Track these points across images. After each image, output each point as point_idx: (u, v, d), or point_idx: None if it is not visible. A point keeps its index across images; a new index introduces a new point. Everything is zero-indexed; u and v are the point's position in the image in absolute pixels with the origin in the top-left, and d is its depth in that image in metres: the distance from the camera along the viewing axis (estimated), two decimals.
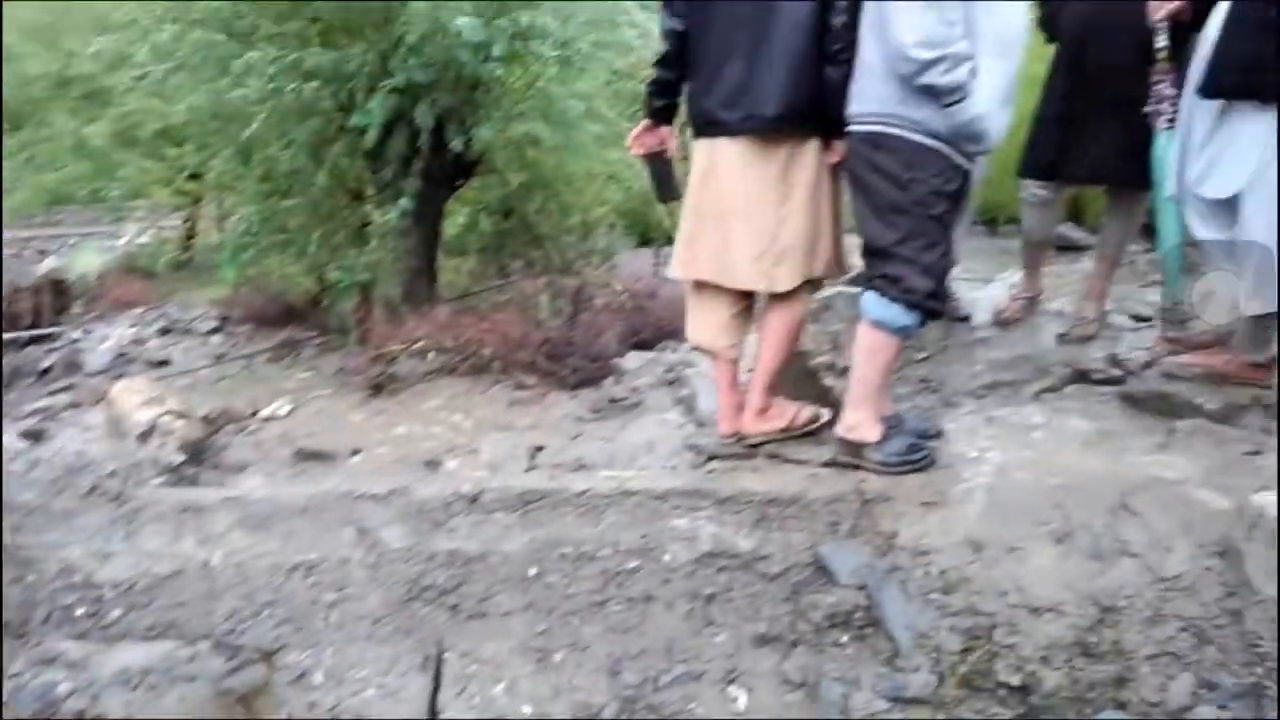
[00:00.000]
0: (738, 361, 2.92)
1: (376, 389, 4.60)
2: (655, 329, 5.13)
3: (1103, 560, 2.24)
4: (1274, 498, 2.16)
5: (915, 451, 2.65)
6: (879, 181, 2.51)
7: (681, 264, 2.82)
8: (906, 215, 2.50)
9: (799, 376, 3.51)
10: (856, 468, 2.68)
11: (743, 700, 2.25)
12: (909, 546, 2.41)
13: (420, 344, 4.63)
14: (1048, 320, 3.61)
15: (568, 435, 3.68)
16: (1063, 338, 3.41)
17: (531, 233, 6.29)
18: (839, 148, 2.68)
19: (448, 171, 5.76)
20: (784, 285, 2.70)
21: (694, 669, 2.32)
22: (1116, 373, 3.09)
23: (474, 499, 2.59)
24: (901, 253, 2.51)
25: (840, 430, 2.71)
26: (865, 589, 2.36)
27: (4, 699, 2.20)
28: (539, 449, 3.49)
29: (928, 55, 2.33)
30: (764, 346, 2.85)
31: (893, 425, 2.70)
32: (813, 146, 2.66)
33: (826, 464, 2.75)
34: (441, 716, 2.21)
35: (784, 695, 2.24)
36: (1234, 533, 2.18)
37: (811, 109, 2.58)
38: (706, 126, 2.70)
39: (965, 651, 2.15)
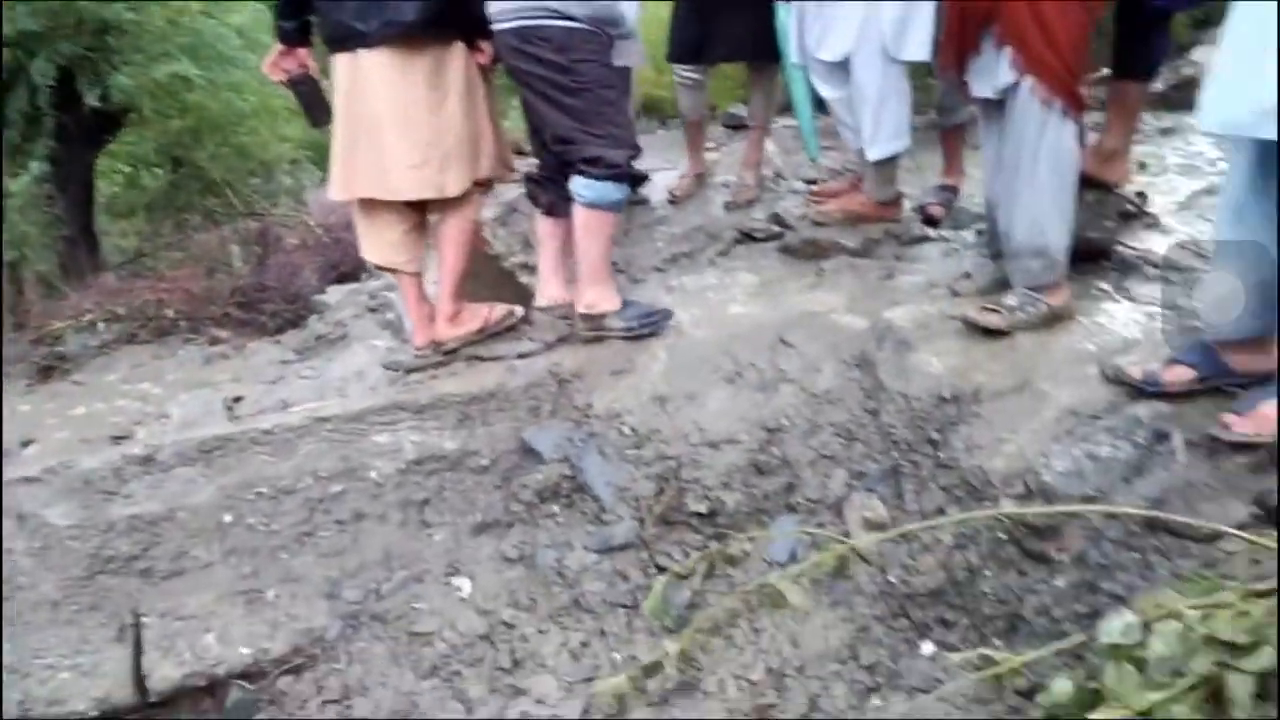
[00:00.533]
0: (421, 274, 2.89)
1: (45, 373, 4.12)
2: (356, 260, 4.93)
3: (767, 390, 2.49)
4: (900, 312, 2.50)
5: (651, 315, 2.79)
6: (547, 72, 2.54)
7: (340, 184, 2.73)
8: (583, 96, 2.57)
9: (496, 279, 3.54)
10: (601, 339, 2.77)
11: (466, 587, 2.31)
12: (603, 414, 2.54)
13: (88, 316, 4.17)
14: (716, 193, 3.86)
15: (270, 380, 3.50)
16: (729, 206, 3.67)
17: (204, 180, 5.79)
18: (487, 48, 2.68)
19: (88, 127, 5.14)
20: (454, 190, 2.69)
21: (415, 571, 2.34)
22: (776, 229, 3.38)
23: (147, 460, 2.42)
24: (593, 133, 2.58)
25: (581, 308, 2.79)
26: (568, 460, 2.48)
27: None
28: (237, 399, 3.30)
29: None
30: (444, 253, 2.84)
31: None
32: (459, 49, 2.63)
33: (521, 355, 2.81)
34: (150, 680, 2.10)
35: (505, 573, 2.33)
36: (868, 347, 2.49)
37: (452, 11, 2.55)
38: (343, 40, 2.59)
39: (659, 494, 2.33)
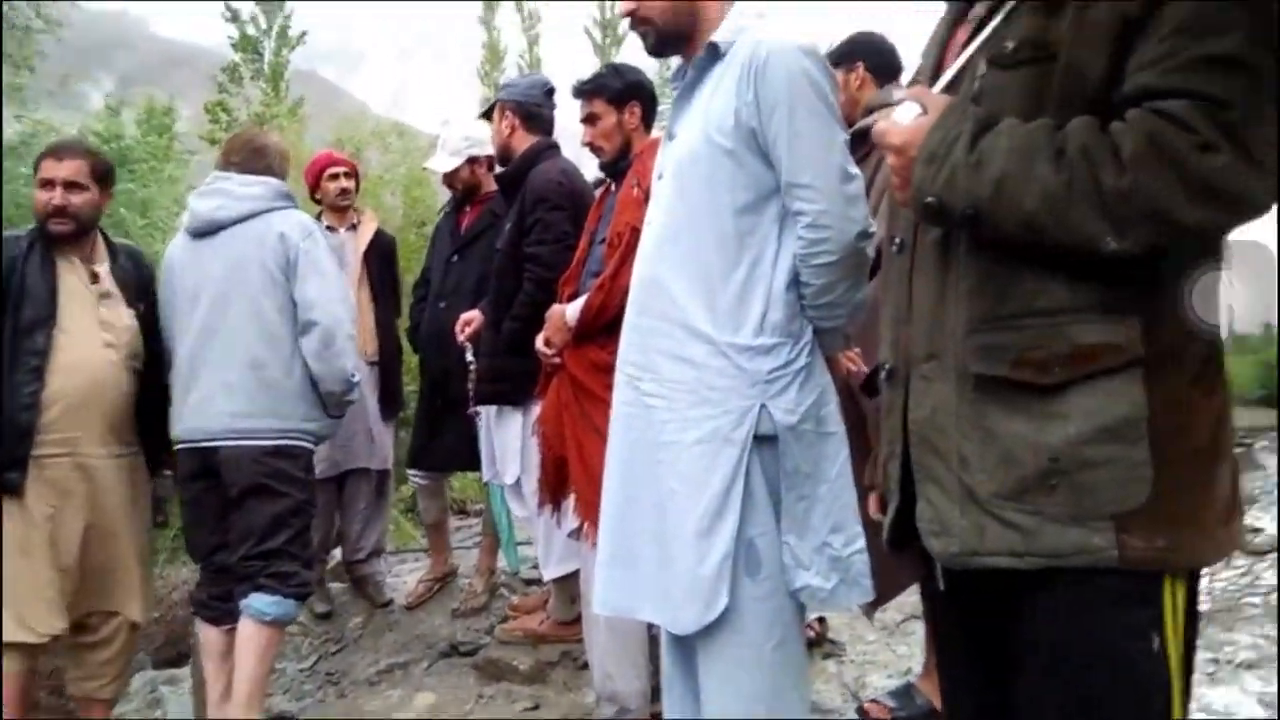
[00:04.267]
0: None
1: None
2: None
3: None
4: None
5: None
6: (280, 487, 2.70)
7: None
8: (300, 515, 2.74)
9: None
10: None
11: None
12: None
13: None
14: (450, 596, 3.94)
15: None
16: (456, 612, 3.73)
17: None
18: None
19: None
20: None
21: None
22: (475, 643, 3.41)
23: None
24: (291, 550, 2.71)
25: None
26: None
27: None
28: None
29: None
30: None
31: None
32: None
33: None
34: None
35: None
36: None
37: None
38: None
39: None
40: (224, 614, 2.78)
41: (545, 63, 14.18)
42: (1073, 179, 0.96)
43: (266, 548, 2.67)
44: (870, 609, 2.58)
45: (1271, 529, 6.19)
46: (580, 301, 2.56)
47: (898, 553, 1.27)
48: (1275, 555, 5.31)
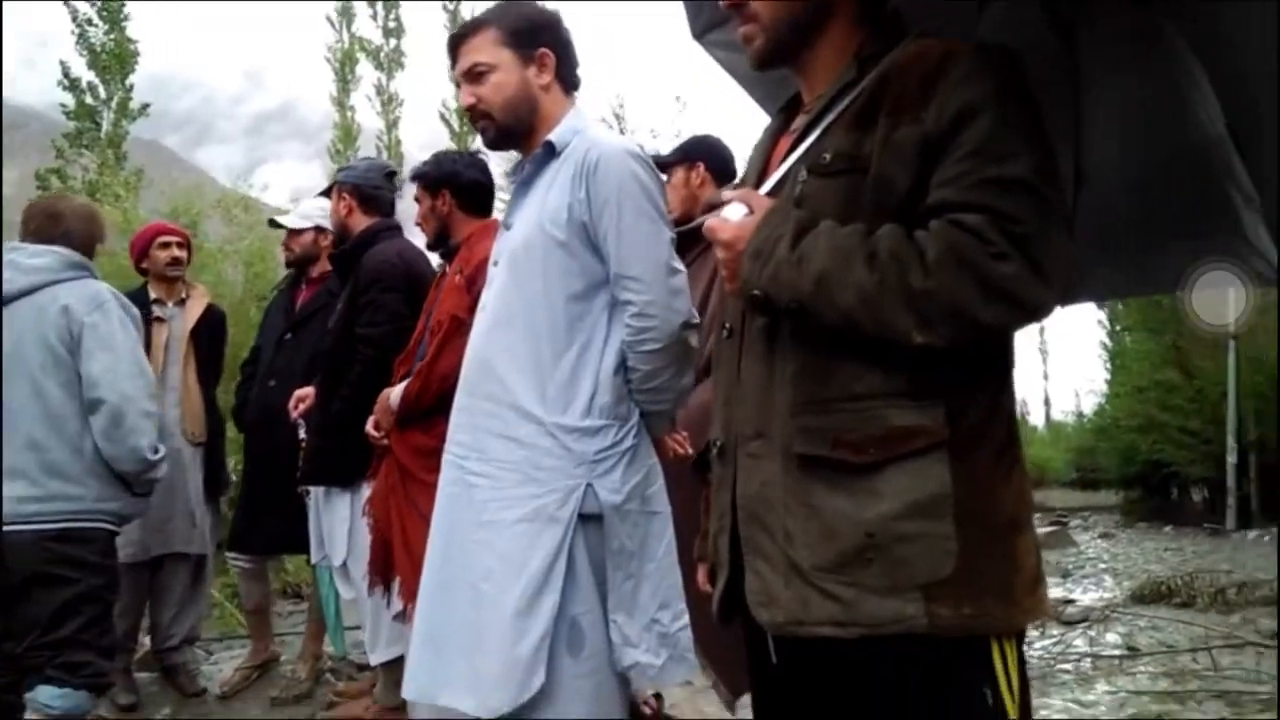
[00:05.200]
0: None
1: None
2: None
3: None
4: None
5: None
6: (68, 573, 2.52)
7: None
8: (94, 602, 2.55)
9: None
10: None
11: None
12: None
13: None
14: (271, 684, 3.76)
15: None
16: (276, 700, 3.56)
17: None
18: None
19: None
20: None
21: None
22: None
23: None
24: (84, 638, 2.52)
25: None
26: None
27: None
28: None
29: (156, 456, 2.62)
30: None
31: None
32: None
33: None
34: None
35: None
36: None
37: None
38: None
39: None
40: (13, 707, 2.57)
41: (405, 144, 14.25)
42: (884, 279, 1.06)
43: (54, 637, 2.50)
44: (732, 700, 2.67)
45: (1084, 600, 6.72)
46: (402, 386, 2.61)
47: (725, 626, 1.30)
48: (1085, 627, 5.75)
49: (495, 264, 1.91)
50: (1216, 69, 1.77)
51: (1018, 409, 1.24)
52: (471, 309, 2.16)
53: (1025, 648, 4.05)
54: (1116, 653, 4.88)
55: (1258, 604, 6.02)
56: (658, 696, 3.62)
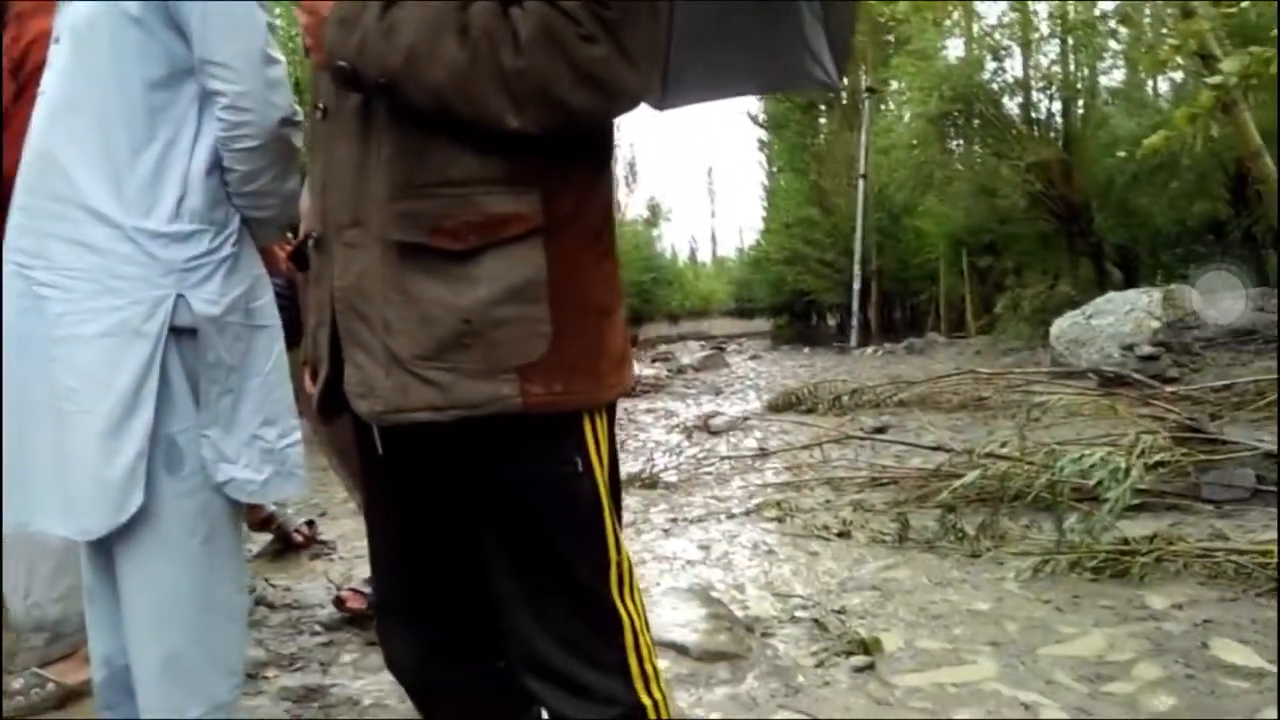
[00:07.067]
0: None
1: None
2: None
3: None
4: None
5: None
6: None
7: None
8: None
9: None
10: None
11: None
12: None
13: None
14: None
15: None
16: None
17: None
18: None
19: None
20: None
21: None
22: None
23: None
24: None
25: None
26: None
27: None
28: None
29: None
30: None
31: None
32: None
33: None
34: None
35: None
36: None
37: None
38: None
39: None
40: None
41: None
42: (476, 56, 1.01)
43: None
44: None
45: (730, 413, 7.53)
46: None
47: (328, 422, 1.25)
48: (728, 435, 6.46)
49: (57, 41, 1.59)
50: None
51: (614, 208, 1.26)
52: (18, 96, 1.87)
53: (677, 456, 4.54)
54: (749, 454, 5.55)
55: (865, 406, 7.15)
56: (310, 524, 3.58)
